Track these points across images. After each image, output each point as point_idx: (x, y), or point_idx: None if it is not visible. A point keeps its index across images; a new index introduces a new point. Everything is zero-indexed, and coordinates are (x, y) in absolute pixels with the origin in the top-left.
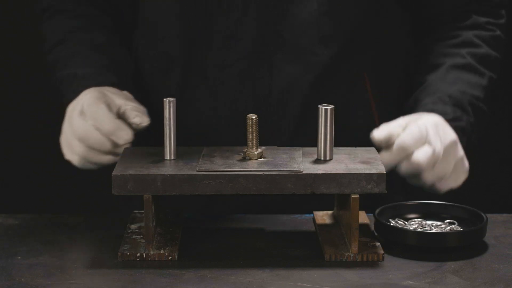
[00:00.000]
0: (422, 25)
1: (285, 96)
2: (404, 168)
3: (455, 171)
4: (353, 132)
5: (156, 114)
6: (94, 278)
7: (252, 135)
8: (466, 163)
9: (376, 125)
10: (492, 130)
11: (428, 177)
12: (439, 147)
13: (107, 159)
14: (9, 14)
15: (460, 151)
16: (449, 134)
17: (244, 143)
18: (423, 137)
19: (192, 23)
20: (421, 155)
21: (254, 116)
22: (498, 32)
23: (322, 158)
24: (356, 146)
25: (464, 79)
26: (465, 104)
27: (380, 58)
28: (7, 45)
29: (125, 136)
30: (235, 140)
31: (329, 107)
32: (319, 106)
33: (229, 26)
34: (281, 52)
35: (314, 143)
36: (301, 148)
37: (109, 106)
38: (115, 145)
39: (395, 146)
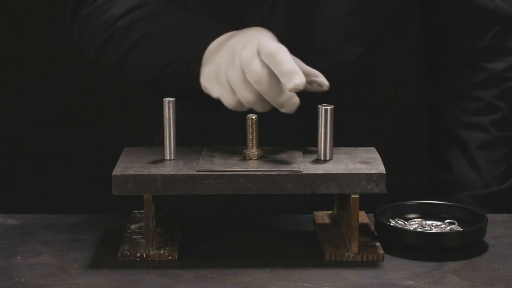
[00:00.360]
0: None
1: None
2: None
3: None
4: (372, 132)
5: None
6: (94, 278)
7: (252, 135)
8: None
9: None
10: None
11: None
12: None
13: (267, 107)
14: (9, 14)
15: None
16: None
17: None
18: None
19: (220, 22)
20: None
21: (254, 116)
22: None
23: (322, 158)
24: (374, 144)
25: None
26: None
27: (403, 57)
28: (7, 45)
29: (296, 80)
30: (236, 136)
31: (329, 107)
32: (319, 106)
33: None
34: (307, 52)
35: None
36: (301, 148)
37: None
38: (285, 99)
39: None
